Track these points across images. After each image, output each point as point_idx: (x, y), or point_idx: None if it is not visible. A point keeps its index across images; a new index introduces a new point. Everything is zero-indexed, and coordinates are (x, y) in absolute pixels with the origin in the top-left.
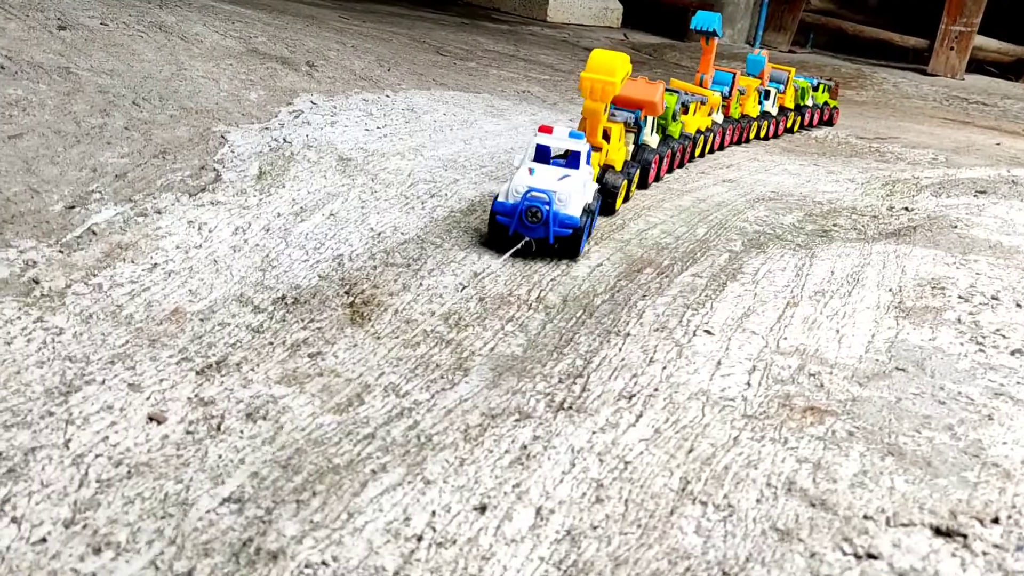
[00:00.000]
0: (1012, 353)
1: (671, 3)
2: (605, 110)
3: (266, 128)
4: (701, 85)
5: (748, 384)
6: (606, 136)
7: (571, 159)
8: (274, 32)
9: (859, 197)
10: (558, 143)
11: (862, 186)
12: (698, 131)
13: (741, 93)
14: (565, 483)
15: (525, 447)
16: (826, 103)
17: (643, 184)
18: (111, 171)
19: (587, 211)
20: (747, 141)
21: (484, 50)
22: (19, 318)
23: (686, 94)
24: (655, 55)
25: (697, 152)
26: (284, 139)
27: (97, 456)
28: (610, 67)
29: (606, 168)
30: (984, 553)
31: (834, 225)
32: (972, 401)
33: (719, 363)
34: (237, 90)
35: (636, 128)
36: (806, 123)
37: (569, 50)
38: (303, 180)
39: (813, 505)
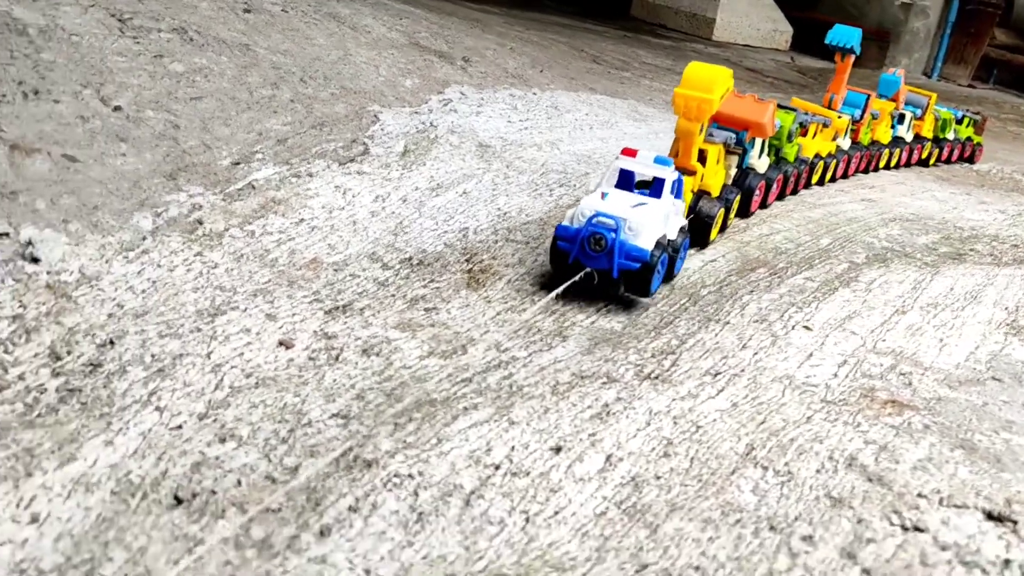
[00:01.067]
0: None
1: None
2: (701, 130)
3: (416, 112)
4: (830, 106)
5: (835, 375)
6: (702, 159)
7: (654, 187)
8: (437, 29)
9: (1005, 227)
10: (642, 168)
11: (1012, 218)
12: (817, 156)
13: (874, 117)
14: (638, 438)
15: (607, 405)
16: (969, 139)
17: (744, 212)
18: (274, 136)
19: (664, 245)
20: (875, 170)
21: (641, 62)
22: (182, 251)
23: (806, 114)
24: (819, 79)
25: (815, 179)
26: (431, 123)
27: (232, 367)
28: (707, 82)
29: (700, 194)
30: None
31: (970, 250)
32: None
33: (811, 355)
34: (394, 77)
35: (740, 150)
36: (944, 157)
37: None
38: (443, 160)
39: (870, 480)
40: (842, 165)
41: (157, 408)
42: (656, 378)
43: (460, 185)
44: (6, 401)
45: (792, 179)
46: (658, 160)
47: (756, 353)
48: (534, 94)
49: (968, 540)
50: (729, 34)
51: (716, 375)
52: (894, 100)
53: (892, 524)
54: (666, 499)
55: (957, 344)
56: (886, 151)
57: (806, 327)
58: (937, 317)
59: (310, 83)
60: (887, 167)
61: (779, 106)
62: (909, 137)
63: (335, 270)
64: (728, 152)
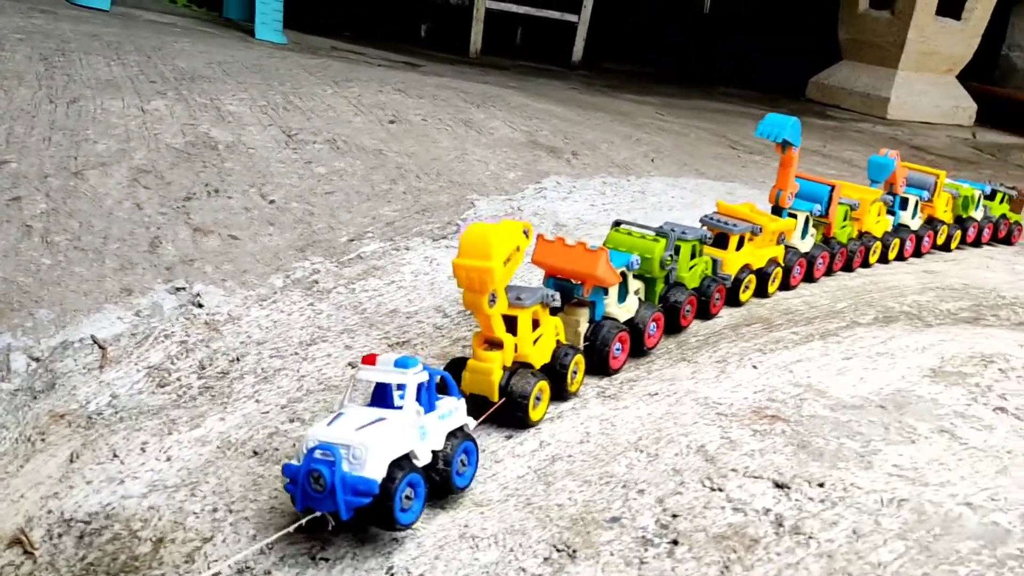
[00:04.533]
0: (994, 409)
1: None
2: (492, 301)
3: (509, 199)
4: (777, 203)
5: (745, 399)
6: (512, 327)
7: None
8: (561, 127)
9: None
10: (382, 375)
11: None
12: (746, 269)
13: (853, 208)
14: (569, 432)
15: (561, 412)
16: (1004, 216)
17: (602, 369)
18: (384, 220)
19: (409, 468)
20: (868, 265)
21: None
22: (299, 301)
23: (726, 222)
24: (999, 156)
25: (745, 297)
26: (518, 207)
27: (311, 378)
28: (484, 247)
29: (515, 369)
30: None
31: (992, 315)
32: (911, 428)
33: (739, 384)
34: (500, 171)
35: (589, 304)
36: (971, 239)
37: (891, 146)
38: None
39: (706, 460)
40: (800, 270)
41: (256, 400)
42: (609, 396)
43: (527, 257)
44: (166, 392)
45: (689, 307)
46: (400, 363)
47: (697, 383)
48: (628, 180)
49: (749, 497)
50: (905, 112)
51: (654, 395)
52: (889, 184)
53: (703, 486)
54: (566, 471)
55: (871, 381)
56: (877, 244)
57: (754, 367)
58: (875, 361)
59: (423, 178)
60: (883, 261)
61: (616, 224)
62: (916, 224)
63: (407, 317)
64: (574, 306)
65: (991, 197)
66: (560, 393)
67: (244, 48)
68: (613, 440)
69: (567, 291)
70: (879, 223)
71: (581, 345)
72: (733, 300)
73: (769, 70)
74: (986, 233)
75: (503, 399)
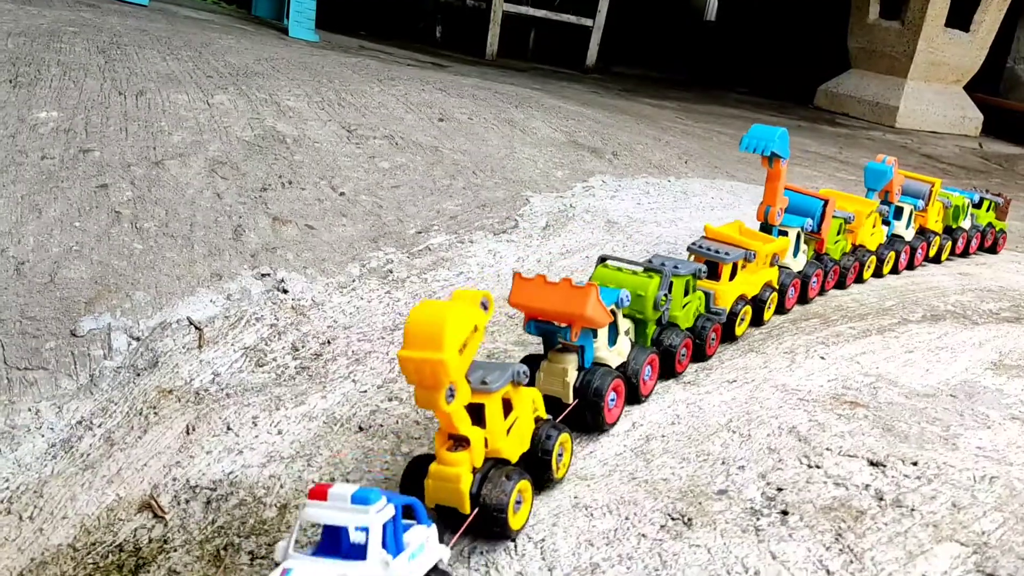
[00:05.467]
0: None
1: None
2: (451, 396)
3: (560, 196)
4: (766, 221)
5: (821, 386)
6: (479, 417)
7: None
8: (597, 128)
9: None
10: (336, 516)
11: None
12: (742, 300)
13: (848, 221)
14: (658, 414)
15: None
16: (990, 225)
17: (596, 424)
18: (448, 214)
19: None
20: (862, 281)
21: (804, 151)
22: (376, 290)
23: (712, 248)
24: (1006, 166)
25: (740, 330)
26: (571, 205)
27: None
28: (434, 334)
29: (488, 470)
30: None
31: None
32: (984, 415)
33: (812, 374)
34: (548, 169)
35: (576, 347)
36: (959, 250)
37: (902, 154)
38: (575, 233)
39: (799, 440)
40: (794, 293)
41: (353, 380)
42: (688, 383)
43: (585, 251)
44: (265, 371)
45: (684, 352)
46: (358, 496)
47: (771, 371)
48: (668, 181)
49: (847, 473)
50: (913, 121)
51: (732, 382)
52: (885, 193)
53: (800, 463)
54: (662, 450)
55: (937, 372)
56: (871, 258)
57: (821, 357)
58: (936, 355)
59: (479, 175)
60: (878, 276)
61: (602, 259)
62: (910, 234)
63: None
64: (559, 352)
65: (978, 205)
66: (544, 483)
67: (283, 45)
68: (704, 422)
69: (550, 335)
70: (874, 235)
71: (570, 397)
72: (727, 335)
73: (777, 77)
74: (974, 243)
75: (476, 510)
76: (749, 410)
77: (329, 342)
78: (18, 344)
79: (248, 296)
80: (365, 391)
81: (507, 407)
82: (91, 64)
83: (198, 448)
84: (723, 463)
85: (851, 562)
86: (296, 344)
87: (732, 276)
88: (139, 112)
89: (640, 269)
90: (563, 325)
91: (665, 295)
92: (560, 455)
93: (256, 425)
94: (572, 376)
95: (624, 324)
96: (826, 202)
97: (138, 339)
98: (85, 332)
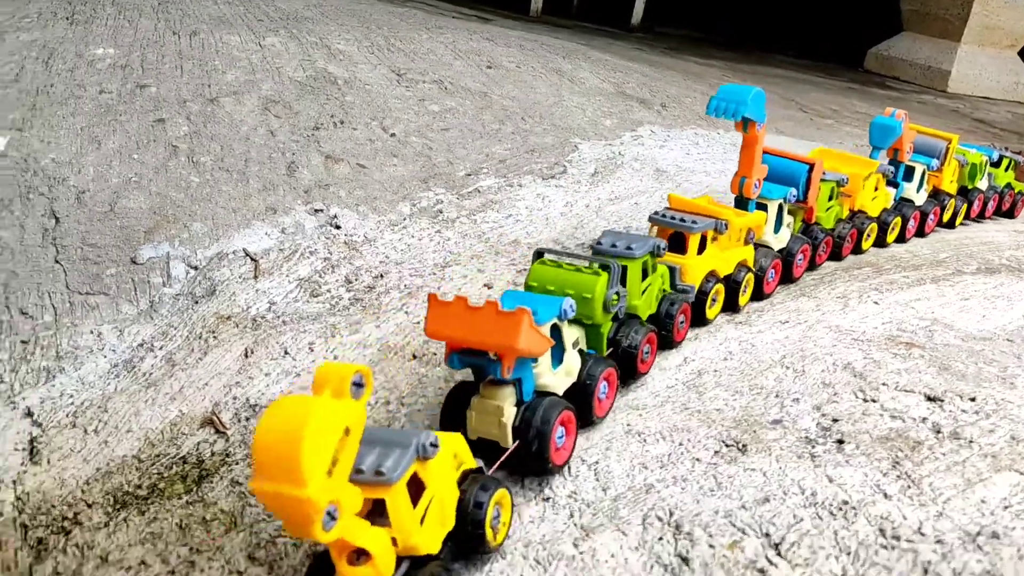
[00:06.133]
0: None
1: None
2: (330, 521)
3: (609, 144)
4: (741, 191)
5: (875, 328)
6: (382, 511)
7: None
8: (645, 81)
9: None
10: None
11: None
12: (711, 278)
13: (840, 184)
14: (709, 350)
15: (697, 335)
16: (1009, 186)
17: (542, 467)
18: (497, 158)
19: None
20: (861, 251)
21: (852, 111)
22: (427, 228)
23: (677, 216)
24: None
25: (713, 313)
26: (619, 152)
27: (452, 296)
28: (289, 463)
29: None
30: None
31: None
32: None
33: (866, 317)
34: (597, 117)
35: (513, 383)
36: (974, 213)
37: (953, 119)
38: (624, 180)
39: (854, 375)
40: (773, 274)
41: (406, 312)
42: (740, 323)
43: (634, 198)
44: (320, 302)
45: (645, 345)
46: None
47: (824, 314)
48: (717, 133)
49: (904, 407)
50: (965, 86)
51: (785, 323)
52: (894, 150)
53: (856, 397)
54: (715, 383)
55: (993, 319)
56: (871, 225)
57: (875, 303)
58: (992, 303)
59: (528, 120)
60: (881, 245)
61: (538, 254)
62: (921, 198)
63: (528, 247)
64: (492, 385)
65: (997, 164)
66: (481, 550)
67: None
68: (756, 358)
69: (479, 368)
70: (876, 199)
71: (509, 439)
72: (698, 318)
73: (825, 39)
74: (990, 206)
75: None
76: (803, 347)
77: (382, 276)
78: (80, 270)
79: (302, 230)
80: (417, 322)
81: (417, 490)
82: (144, 5)
83: (256, 370)
84: (777, 396)
85: (908, 487)
86: (349, 277)
87: (701, 249)
88: (193, 51)
89: (584, 264)
90: (493, 356)
91: (617, 293)
92: (496, 518)
93: (312, 350)
94: (509, 415)
95: (572, 335)
96: (811, 166)
97: (196, 268)
98: (145, 260)
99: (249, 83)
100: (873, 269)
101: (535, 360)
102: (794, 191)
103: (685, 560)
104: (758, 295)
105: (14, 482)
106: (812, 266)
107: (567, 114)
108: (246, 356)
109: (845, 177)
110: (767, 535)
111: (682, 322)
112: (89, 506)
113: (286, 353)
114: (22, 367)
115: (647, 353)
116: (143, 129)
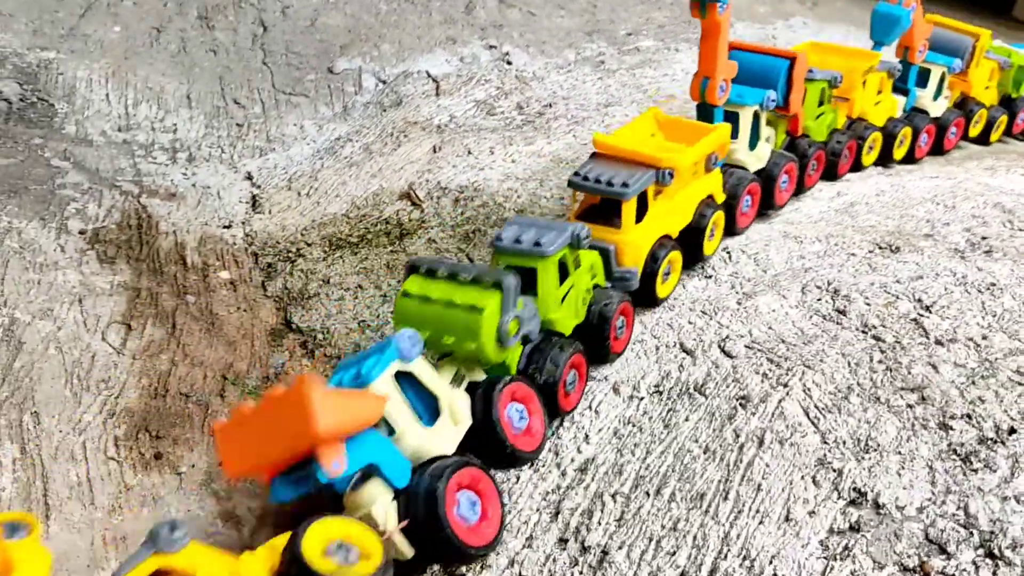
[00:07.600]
0: None
1: None
2: None
3: (762, 28)
4: (703, 101)
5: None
6: None
7: None
8: None
9: None
10: None
11: None
12: (660, 247)
13: (833, 84)
14: (861, 187)
15: (848, 180)
16: None
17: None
18: (656, 23)
19: None
20: (861, 168)
21: None
22: (590, 75)
23: (603, 177)
24: None
25: (665, 291)
26: (771, 36)
27: (612, 128)
28: None
29: None
30: None
31: None
32: None
33: (1015, 183)
34: (750, 3)
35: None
36: (1017, 128)
37: None
38: None
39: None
40: (749, 202)
41: (574, 136)
42: (890, 174)
43: None
44: (495, 119)
45: (570, 372)
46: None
47: (972, 175)
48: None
49: None
50: None
51: (935, 177)
52: (904, 48)
53: (1005, 227)
54: (867, 211)
55: None
56: (875, 135)
57: (1022, 175)
58: None
59: None
60: (882, 164)
61: (412, 267)
62: (939, 107)
63: (683, 103)
64: (358, 483)
65: None
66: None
67: None
68: (908, 195)
69: (327, 488)
70: (880, 104)
71: (395, 531)
72: (646, 297)
73: None
74: None
75: None
76: (954, 190)
77: (550, 105)
78: (284, 73)
79: (477, 61)
80: (585, 144)
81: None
82: None
83: (444, 163)
84: (927, 221)
85: None
86: (521, 104)
87: (641, 216)
88: None
89: (468, 275)
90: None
91: (517, 318)
92: (621, 328)
93: (493, 153)
94: (380, 512)
95: (445, 375)
96: (792, 60)
97: (384, 82)
98: (340, 71)
99: None
100: (1019, 155)
101: (385, 428)
102: (772, 94)
103: (843, 312)
104: (731, 230)
105: (243, 223)
106: (800, 188)
107: None
108: (434, 151)
109: (838, 75)
110: (919, 300)
111: (621, 326)
112: (308, 245)
113: (469, 152)
114: (239, 143)
115: (571, 385)
116: None
